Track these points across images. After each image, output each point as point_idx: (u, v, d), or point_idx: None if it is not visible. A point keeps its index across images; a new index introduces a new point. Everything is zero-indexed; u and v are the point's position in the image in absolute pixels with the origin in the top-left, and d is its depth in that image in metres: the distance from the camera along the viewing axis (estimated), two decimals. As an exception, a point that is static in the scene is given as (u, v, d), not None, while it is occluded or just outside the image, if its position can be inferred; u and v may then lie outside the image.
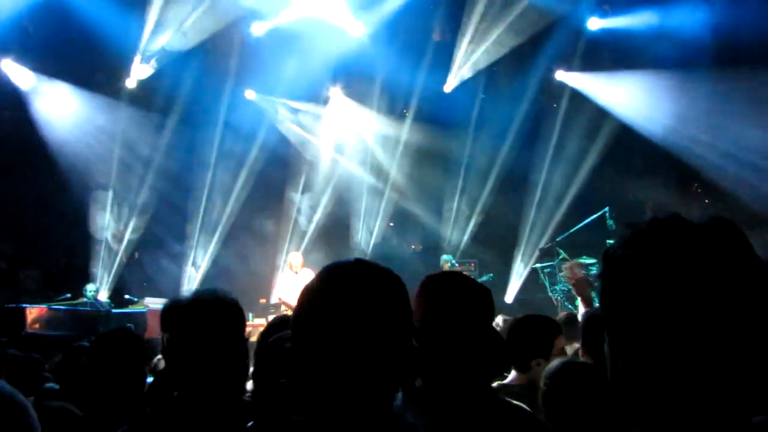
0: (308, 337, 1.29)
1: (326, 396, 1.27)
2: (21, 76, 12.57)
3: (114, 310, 10.79)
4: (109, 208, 13.68)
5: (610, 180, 13.06)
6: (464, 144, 14.72)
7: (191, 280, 14.30)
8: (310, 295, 1.34)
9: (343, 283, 1.32)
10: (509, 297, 13.63)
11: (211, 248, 14.41)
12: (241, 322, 1.99)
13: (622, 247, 1.12)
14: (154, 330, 9.92)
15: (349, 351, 1.25)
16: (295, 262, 11.16)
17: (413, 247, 14.84)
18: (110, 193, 13.66)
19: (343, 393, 1.27)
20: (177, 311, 1.94)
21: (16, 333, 8.88)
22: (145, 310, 10.77)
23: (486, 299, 1.93)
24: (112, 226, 13.78)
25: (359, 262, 1.39)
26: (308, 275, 10.34)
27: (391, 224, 15.21)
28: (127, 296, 11.74)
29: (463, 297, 1.91)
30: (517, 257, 13.33)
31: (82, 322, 10.02)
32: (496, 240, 14.01)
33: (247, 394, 2.52)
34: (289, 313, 10.09)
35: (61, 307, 10.49)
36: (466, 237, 14.33)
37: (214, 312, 1.90)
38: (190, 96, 13.32)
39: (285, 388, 1.91)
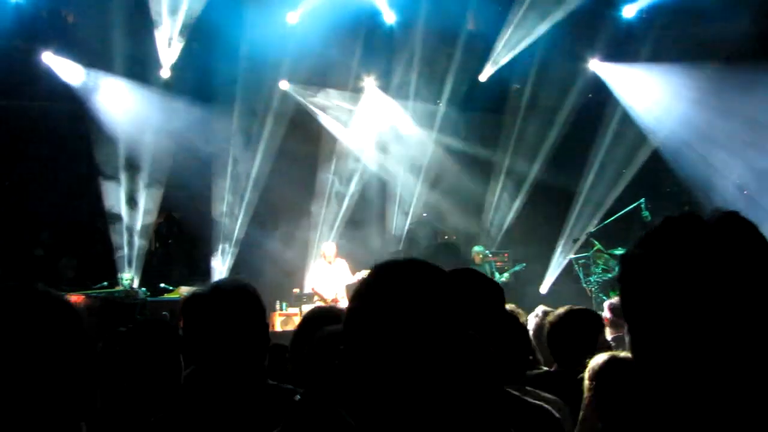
0: (364, 337, 1.27)
1: (384, 397, 1.25)
2: (62, 67, 12.59)
3: (150, 298, 10.79)
4: (144, 195, 13.68)
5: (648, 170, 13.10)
6: (503, 134, 14.69)
7: (221, 270, 14.29)
8: (365, 293, 1.33)
9: (399, 282, 1.31)
10: (544, 288, 13.68)
11: (241, 237, 14.37)
12: (259, 310, 1.98)
13: (636, 247, 1.15)
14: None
15: (407, 350, 1.22)
16: (329, 252, 11.31)
17: (446, 237, 14.73)
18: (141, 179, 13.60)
19: (401, 393, 1.25)
20: (195, 301, 1.96)
21: None
22: (180, 298, 10.47)
23: (491, 293, 1.96)
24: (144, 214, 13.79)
25: (413, 262, 1.38)
26: (342, 266, 11.20)
27: (425, 214, 15.17)
28: (162, 285, 11.72)
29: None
30: (558, 248, 13.23)
31: (119, 310, 9.96)
32: (537, 231, 13.92)
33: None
34: (322, 303, 10.32)
35: (99, 294, 10.51)
36: (505, 227, 14.34)
37: (231, 301, 1.90)
38: (230, 85, 13.33)
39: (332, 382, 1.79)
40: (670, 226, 1.12)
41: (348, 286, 10.76)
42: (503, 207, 14.75)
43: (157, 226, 14.53)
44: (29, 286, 1.31)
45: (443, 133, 14.61)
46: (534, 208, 14.42)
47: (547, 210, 14.13)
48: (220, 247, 14.24)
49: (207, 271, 14.08)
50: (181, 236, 14.88)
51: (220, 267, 14.14)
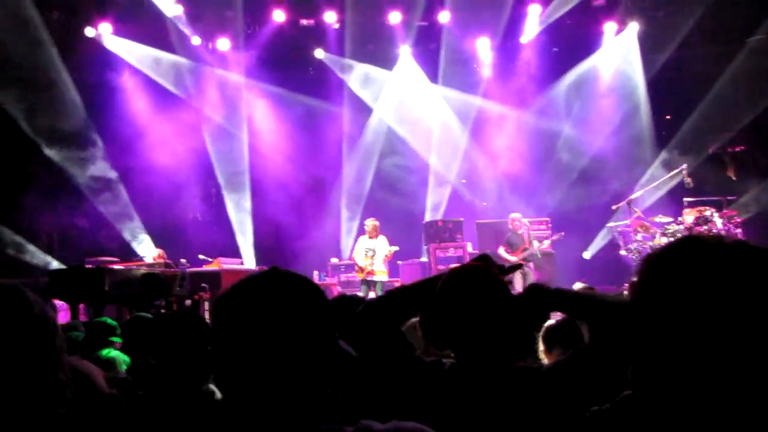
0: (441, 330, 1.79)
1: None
2: (118, 44, 13.43)
3: (189, 269, 10.67)
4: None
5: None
6: (544, 99, 14.81)
7: (260, 240, 14.55)
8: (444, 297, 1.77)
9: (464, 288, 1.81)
10: (588, 254, 13.91)
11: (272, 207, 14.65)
12: (313, 302, 1.48)
13: (657, 255, 1.20)
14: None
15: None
16: (371, 228, 11.62)
17: (484, 203, 14.88)
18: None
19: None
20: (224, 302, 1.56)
21: (96, 293, 8.86)
22: (219, 270, 10.74)
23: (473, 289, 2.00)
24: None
25: (477, 270, 1.87)
26: (382, 242, 11.49)
27: (463, 180, 15.30)
28: (201, 256, 11.64)
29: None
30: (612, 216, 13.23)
31: (158, 281, 9.73)
32: (589, 198, 13.74)
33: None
34: (360, 276, 11.74)
35: (139, 266, 10.48)
36: (557, 195, 14.32)
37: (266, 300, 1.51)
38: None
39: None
40: (686, 246, 1.16)
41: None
42: (552, 174, 14.79)
43: (198, 195, 14.90)
44: None
45: (484, 98, 14.86)
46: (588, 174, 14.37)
47: (602, 178, 14.03)
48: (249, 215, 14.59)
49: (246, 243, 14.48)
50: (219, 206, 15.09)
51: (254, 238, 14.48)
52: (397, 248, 11.58)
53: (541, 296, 1.92)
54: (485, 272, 1.96)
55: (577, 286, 4.71)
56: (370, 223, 11.78)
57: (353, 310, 1.98)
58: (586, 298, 1.90)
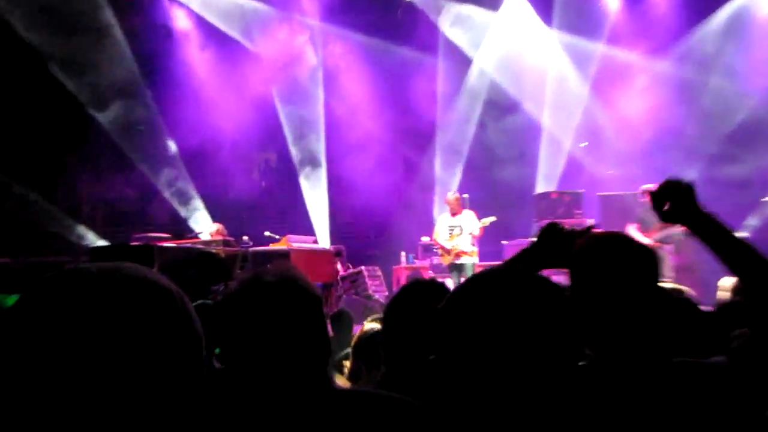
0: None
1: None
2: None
3: (252, 249, 10.32)
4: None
5: None
6: (685, 45, 13.90)
7: (337, 216, 14.75)
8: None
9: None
10: (742, 235, 12.38)
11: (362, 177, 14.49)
12: (309, 309, 1.78)
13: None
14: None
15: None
16: (453, 201, 11.28)
17: (609, 172, 14.06)
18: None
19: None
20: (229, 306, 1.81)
21: None
22: (288, 249, 10.38)
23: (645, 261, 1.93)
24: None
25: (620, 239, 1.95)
26: (469, 218, 11.11)
27: (584, 143, 14.70)
28: (267, 233, 11.29)
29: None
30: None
31: (216, 261, 9.64)
32: (741, 167, 12.77)
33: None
34: (446, 260, 11.27)
35: (194, 243, 10.27)
36: (701, 162, 13.00)
37: (273, 304, 1.74)
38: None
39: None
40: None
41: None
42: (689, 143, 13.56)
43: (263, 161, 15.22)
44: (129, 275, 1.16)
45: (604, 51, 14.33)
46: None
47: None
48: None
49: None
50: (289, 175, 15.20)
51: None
52: (493, 219, 11.10)
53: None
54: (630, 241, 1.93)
55: (727, 282, 4.53)
56: (452, 196, 11.34)
57: (432, 302, 1.75)
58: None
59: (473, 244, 11.09)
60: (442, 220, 11.44)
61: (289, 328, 1.70)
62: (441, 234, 11.24)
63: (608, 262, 1.86)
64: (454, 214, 11.18)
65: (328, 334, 1.81)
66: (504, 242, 12.83)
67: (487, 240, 11.54)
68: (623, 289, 1.84)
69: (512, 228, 12.83)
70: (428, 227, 13.32)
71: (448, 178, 15.03)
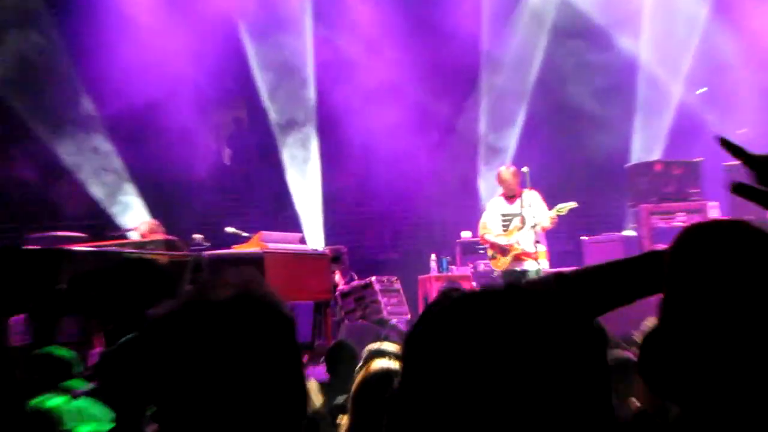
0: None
1: None
2: None
3: (209, 252, 10.24)
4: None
5: None
6: None
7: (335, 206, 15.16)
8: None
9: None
10: None
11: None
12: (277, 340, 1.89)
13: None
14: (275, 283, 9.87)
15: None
16: (510, 178, 11.31)
17: (742, 130, 13.71)
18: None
19: None
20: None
21: (47, 291, 8.37)
22: (261, 252, 10.27)
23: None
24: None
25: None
26: (534, 201, 11.24)
27: (701, 90, 15.01)
28: (230, 229, 11.54)
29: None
30: None
31: (154, 274, 9.51)
32: None
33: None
34: (499, 265, 11.71)
35: (121, 246, 10.22)
36: None
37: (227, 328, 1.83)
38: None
39: None
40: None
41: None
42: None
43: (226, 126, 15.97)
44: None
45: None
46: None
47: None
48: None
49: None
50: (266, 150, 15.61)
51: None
52: (573, 204, 11.08)
53: None
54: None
55: None
56: (507, 171, 11.37)
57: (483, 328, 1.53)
58: None
59: (540, 242, 11.03)
60: (494, 207, 11.42)
61: (247, 371, 1.74)
62: (492, 227, 11.21)
63: (718, 267, 1.82)
64: (511, 198, 11.14)
65: (302, 379, 1.86)
66: (584, 237, 12.84)
67: (558, 234, 11.57)
68: (742, 307, 1.78)
69: (595, 216, 12.96)
70: (471, 217, 13.43)
71: (498, 144, 15.25)
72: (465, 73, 15.70)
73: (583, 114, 14.85)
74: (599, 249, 12.93)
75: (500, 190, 11.43)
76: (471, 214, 13.79)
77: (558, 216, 11.04)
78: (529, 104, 15.43)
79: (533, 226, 10.94)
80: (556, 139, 14.78)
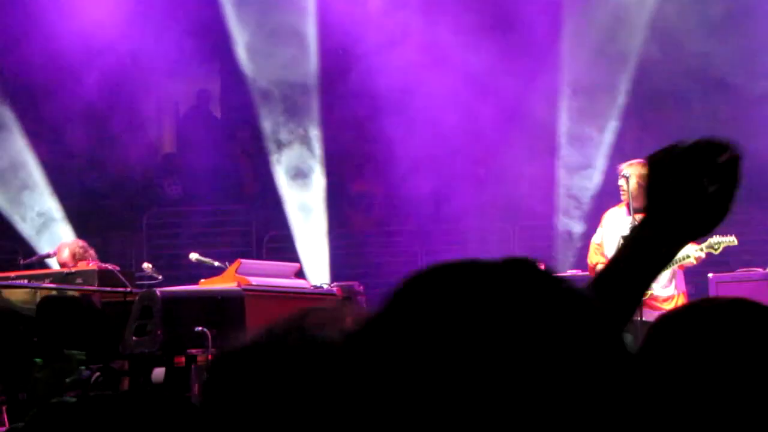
0: None
1: None
2: None
3: (161, 290, 11.11)
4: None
5: None
6: None
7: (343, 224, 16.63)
8: None
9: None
10: None
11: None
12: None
13: None
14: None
15: None
16: (634, 179, 11.68)
17: None
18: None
19: None
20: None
21: None
22: (239, 290, 11.30)
23: None
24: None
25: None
26: None
27: None
28: (194, 256, 12.48)
29: None
30: None
31: (86, 315, 10.83)
32: None
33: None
34: None
35: (36, 278, 11.43)
36: None
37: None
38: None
39: None
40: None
41: None
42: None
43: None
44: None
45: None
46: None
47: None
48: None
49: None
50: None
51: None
52: (731, 241, 11.84)
53: None
54: None
55: None
56: (631, 171, 11.80)
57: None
58: None
59: (681, 280, 11.90)
60: (611, 223, 12.10)
61: None
62: (611, 252, 11.33)
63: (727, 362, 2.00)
64: (632, 210, 11.49)
65: None
66: (710, 275, 13.29)
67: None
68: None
69: (744, 245, 13.13)
70: (545, 244, 15.10)
71: (588, 125, 16.35)
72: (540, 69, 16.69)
73: (719, 76, 15.89)
74: (733, 291, 13.13)
75: (622, 198, 11.85)
76: (543, 243, 15.14)
77: (707, 255, 11.64)
78: (637, 67, 16.50)
79: (687, 257, 11.39)
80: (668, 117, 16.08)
